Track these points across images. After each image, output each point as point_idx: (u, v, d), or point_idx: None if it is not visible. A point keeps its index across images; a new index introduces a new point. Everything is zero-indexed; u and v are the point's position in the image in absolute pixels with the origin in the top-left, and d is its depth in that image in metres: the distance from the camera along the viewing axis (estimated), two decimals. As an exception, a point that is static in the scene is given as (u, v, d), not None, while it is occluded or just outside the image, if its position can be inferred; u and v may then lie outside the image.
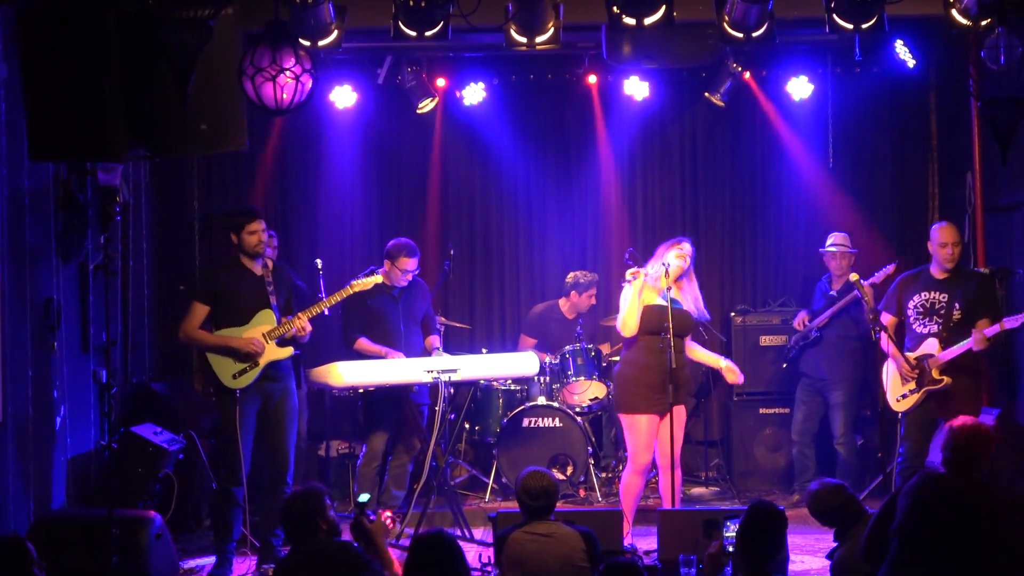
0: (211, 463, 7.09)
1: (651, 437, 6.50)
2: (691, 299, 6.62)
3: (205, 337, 6.35)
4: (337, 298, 6.66)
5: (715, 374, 8.60)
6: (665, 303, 6.41)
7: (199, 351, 6.53)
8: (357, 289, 6.78)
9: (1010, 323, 6.47)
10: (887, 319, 6.89)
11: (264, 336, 6.35)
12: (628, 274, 6.53)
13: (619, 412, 6.66)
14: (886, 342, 6.76)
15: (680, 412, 6.50)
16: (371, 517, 4.81)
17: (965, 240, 7.89)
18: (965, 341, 6.52)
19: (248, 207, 6.62)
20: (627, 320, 6.50)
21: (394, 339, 7.29)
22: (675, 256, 6.54)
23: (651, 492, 7.79)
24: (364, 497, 5.01)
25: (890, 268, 7.66)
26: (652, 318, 6.46)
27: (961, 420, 4.74)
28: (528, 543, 4.87)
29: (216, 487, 6.56)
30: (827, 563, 6.51)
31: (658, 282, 6.48)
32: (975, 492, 4.55)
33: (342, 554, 4.58)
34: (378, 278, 6.90)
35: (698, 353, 6.80)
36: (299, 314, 6.44)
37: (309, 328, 6.48)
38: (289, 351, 6.48)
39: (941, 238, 6.77)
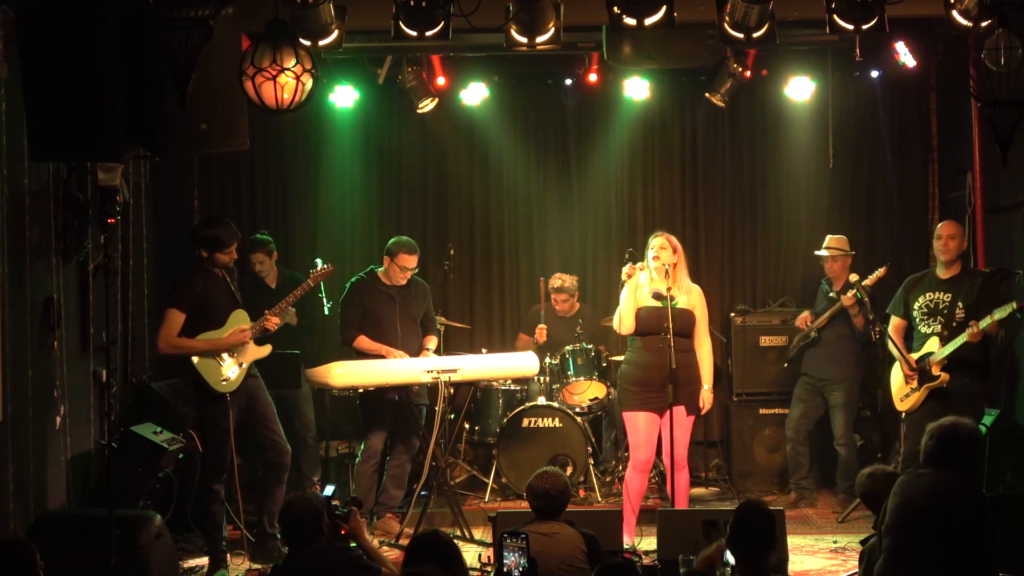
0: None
1: (649, 435, 6.52)
2: (686, 292, 6.60)
3: (192, 344, 6.34)
4: (299, 293, 6.81)
5: (715, 374, 8.62)
6: (661, 304, 6.42)
7: (182, 358, 6.42)
8: (313, 283, 6.89)
9: (999, 312, 6.42)
10: (896, 322, 6.88)
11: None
12: (624, 273, 6.55)
13: (622, 410, 6.71)
14: (890, 342, 6.75)
15: (680, 412, 6.50)
16: (334, 508, 4.80)
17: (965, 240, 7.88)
18: (962, 336, 6.50)
19: (229, 228, 6.44)
20: (624, 318, 6.54)
21: (390, 338, 7.25)
22: (670, 255, 6.54)
23: (651, 492, 7.80)
24: (329, 489, 4.95)
25: (880, 271, 7.60)
26: (649, 318, 6.48)
27: (942, 420, 4.76)
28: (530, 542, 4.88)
29: (200, 487, 6.56)
30: (826, 563, 6.55)
31: (655, 282, 6.49)
32: (959, 486, 4.57)
33: (345, 558, 4.57)
34: (329, 268, 6.95)
35: (704, 357, 6.71)
36: (267, 313, 6.54)
37: (279, 322, 6.64)
38: (268, 348, 6.59)
39: (937, 231, 6.82)
